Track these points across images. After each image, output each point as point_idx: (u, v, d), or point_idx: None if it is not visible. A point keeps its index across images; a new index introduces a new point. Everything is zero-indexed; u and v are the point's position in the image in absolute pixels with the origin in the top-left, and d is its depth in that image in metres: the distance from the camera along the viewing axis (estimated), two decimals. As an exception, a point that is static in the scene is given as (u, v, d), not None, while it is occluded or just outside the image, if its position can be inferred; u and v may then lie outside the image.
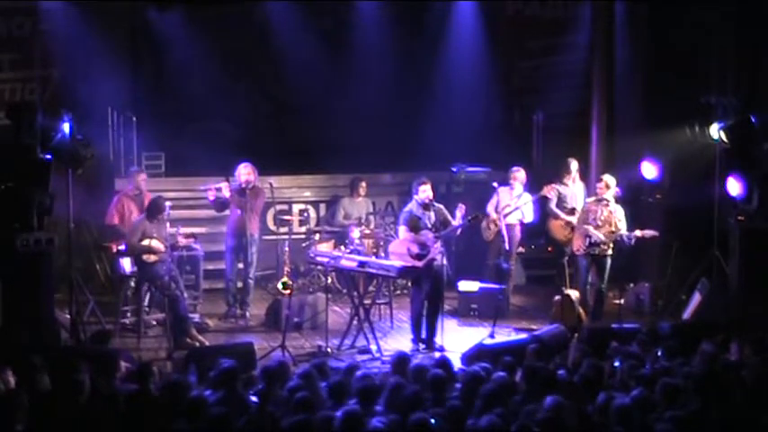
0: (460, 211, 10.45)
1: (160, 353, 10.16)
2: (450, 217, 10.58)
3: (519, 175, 12.18)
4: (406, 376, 7.38)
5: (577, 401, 6.75)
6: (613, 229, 11.20)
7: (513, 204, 12.04)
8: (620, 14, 13.59)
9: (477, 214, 11.73)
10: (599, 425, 6.49)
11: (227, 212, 11.86)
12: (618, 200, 11.36)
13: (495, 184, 12.18)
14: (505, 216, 11.92)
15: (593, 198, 11.68)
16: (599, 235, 11.19)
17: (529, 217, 12.18)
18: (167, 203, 11.08)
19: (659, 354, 8.36)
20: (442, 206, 10.74)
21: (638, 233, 11.10)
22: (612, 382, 7.62)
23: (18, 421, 6.41)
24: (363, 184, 13.13)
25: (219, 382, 7.11)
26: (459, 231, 10.76)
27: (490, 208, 12.12)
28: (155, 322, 11.22)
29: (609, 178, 11.43)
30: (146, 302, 11.19)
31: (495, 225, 12.04)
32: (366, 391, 6.82)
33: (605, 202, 11.29)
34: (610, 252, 11.33)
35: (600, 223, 11.25)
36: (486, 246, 12.38)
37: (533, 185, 12.31)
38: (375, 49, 14.57)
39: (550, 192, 12.08)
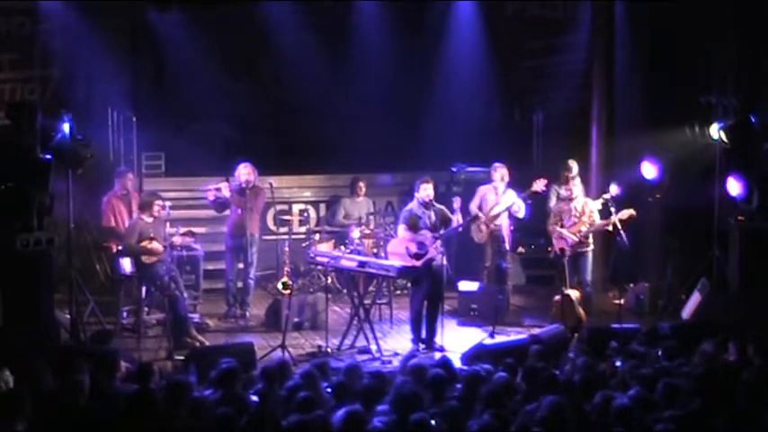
0: (457, 203, 10.53)
1: (160, 353, 10.15)
2: (450, 215, 10.58)
3: (500, 171, 12.13)
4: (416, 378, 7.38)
5: (577, 401, 6.75)
6: (589, 221, 11.33)
7: (502, 203, 11.99)
8: (620, 14, 13.59)
9: (476, 214, 11.77)
10: (598, 425, 6.49)
11: (227, 213, 11.86)
12: (617, 200, 11.38)
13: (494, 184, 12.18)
14: (497, 216, 11.94)
15: (561, 199, 11.80)
16: (571, 236, 11.30)
17: (522, 212, 12.11)
18: (167, 203, 11.07)
19: (658, 354, 8.36)
20: (443, 207, 10.73)
21: (614, 218, 11.09)
22: (613, 382, 7.62)
23: (19, 421, 6.41)
24: (362, 184, 13.14)
25: (219, 382, 7.11)
26: (459, 230, 10.78)
27: (474, 207, 12.00)
28: (155, 322, 11.22)
29: (575, 176, 11.61)
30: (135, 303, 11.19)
31: (489, 226, 12.01)
32: (371, 391, 6.83)
33: (574, 197, 11.45)
34: (591, 247, 11.42)
35: (576, 219, 11.33)
36: (480, 248, 12.36)
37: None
38: (375, 48, 14.56)
39: (539, 185, 11.97)
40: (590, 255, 11.51)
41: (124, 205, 11.70)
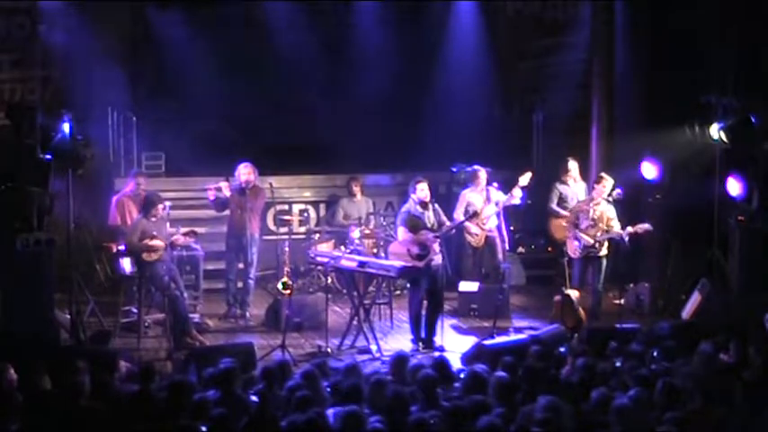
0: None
1: (160, 353, 10.16)
2: (445, 218, 10.63)
3: (481, 174, 12.15)
4: (404, 376, 7.37)
5: (576, 401, 6.75)
6: (606, 227, 11.24)
7: (494, 205, 12.00)
8: (620, 14, 13.59)
9: (476, 210, 11.77)
10: (598, 425, 6.49)
11: (226, 212, 11.86)
12: (617, 200, 11.37)
13: (495, 185, 12.18)
14: (488, 217, 11.95)
15: (583, 198, 11.75)
16: (587, 238, 11.22)
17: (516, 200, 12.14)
18: (167, 203, 11.08)
19: (656, 354, 8.35)
20: (437, 206, 10.75)
21: (630, 229, 11.10)
22: (613, 382, 7.62)
23: (13, 421, 6.42)
24: (355, 183, 13.12)
25: (218, 382, 7.11)
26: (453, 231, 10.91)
27: (460, 214, 11.96)
28: (154, 322, 11.21)
29: (608, 178, 11.44)
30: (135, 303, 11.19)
31: (484, 229, 12.04)
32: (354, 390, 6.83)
33: (597, 201, 11.32)
34: (605, 252, 11.37)
35: (592, 223, 11.28)
36: (476, 251, 12.35)
37: (534, 186, 12.31)
38: (375, 48, 14.58)
39: (525, 179, 11.93)
40: (604, 260, 11.46)
41: (135, 205, 11.71)
